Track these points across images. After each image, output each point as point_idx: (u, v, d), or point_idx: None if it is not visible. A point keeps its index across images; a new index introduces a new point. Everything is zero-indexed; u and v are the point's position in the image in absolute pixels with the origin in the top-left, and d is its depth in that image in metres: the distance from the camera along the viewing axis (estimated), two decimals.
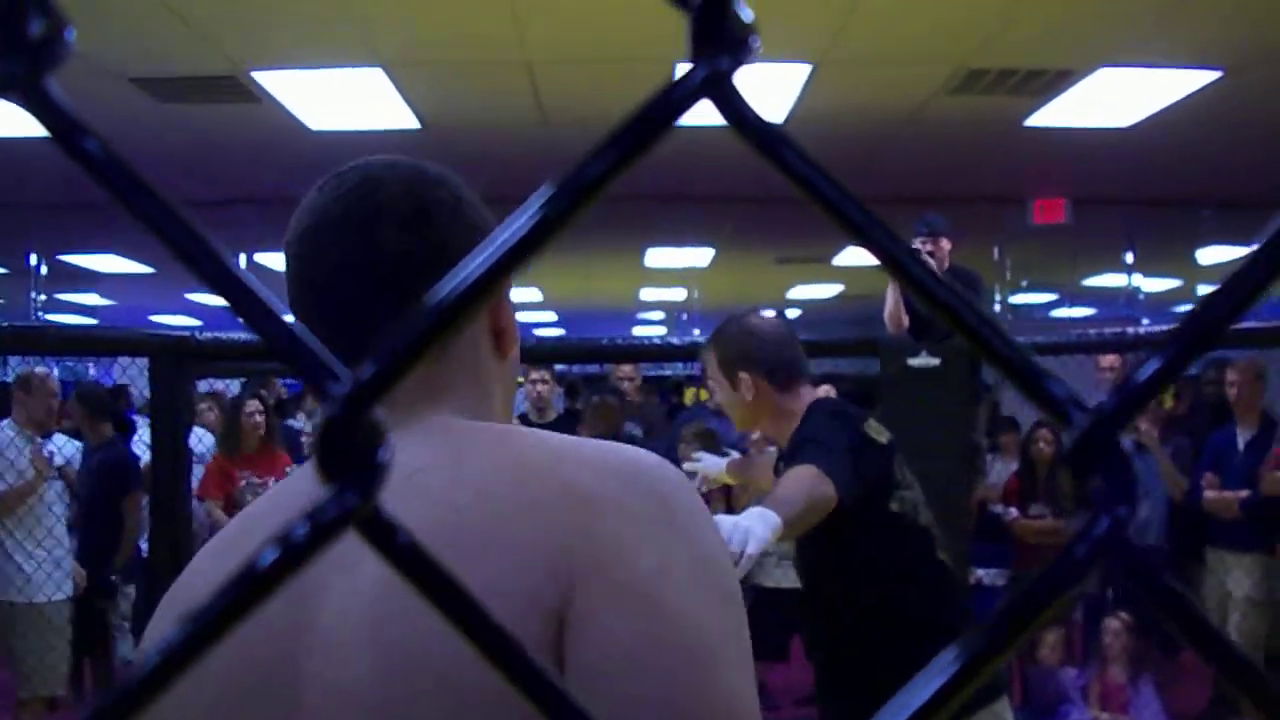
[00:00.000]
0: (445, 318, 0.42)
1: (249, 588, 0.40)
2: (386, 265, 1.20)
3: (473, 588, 0.42)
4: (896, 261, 0.47)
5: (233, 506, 6.95)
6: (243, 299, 0.46)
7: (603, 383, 9.97)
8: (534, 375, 7.98)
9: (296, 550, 0.41)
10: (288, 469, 7.43)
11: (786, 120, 8.89)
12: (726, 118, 0.45)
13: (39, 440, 6.79)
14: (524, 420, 7.80)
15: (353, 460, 0.42)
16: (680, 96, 0.45)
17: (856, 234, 0.47)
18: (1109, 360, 7.65)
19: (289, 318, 0.45)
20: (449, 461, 1.11)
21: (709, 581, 1.04)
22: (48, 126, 0.44)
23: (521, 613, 0.97)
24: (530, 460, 1.11)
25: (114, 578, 6.85)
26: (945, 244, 6.96)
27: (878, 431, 3.53)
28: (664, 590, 1.00)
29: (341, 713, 1.02)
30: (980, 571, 7.33)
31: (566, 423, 8.29)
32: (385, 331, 0.42)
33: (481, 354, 1.27)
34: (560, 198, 0.44)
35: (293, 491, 1.22)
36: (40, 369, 6.87)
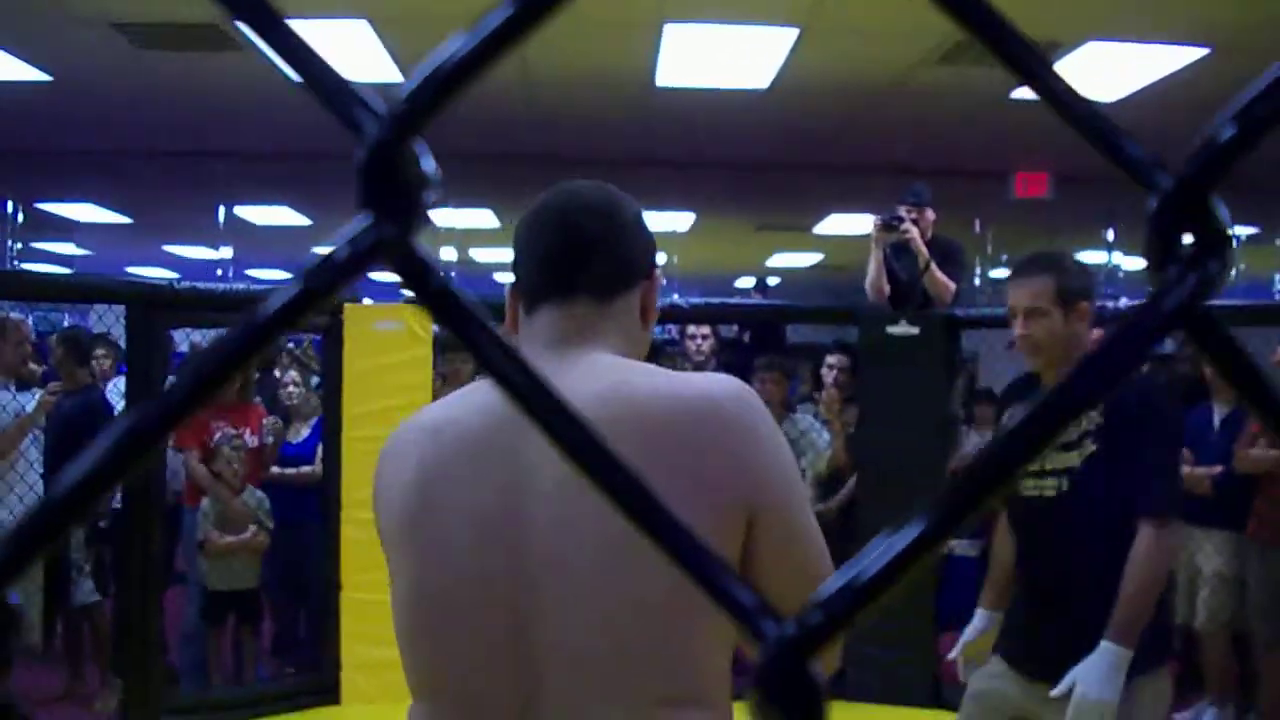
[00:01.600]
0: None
1: (298, 300, 0.43)
2: (582, 239, 1.76)
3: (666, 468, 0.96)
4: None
5: (209, 457, 6.92)
6: (284, 37, 0.46)
7: None
8: None
9: (335, 269, 0.43)
10: (263, 421, 7.40)
11: (772, 85, 8.87)
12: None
13: (12, 389, 6.76)
14: None
15: (394, 193, 0.43)
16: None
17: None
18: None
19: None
20: (616, 380, 1.63)
21: (796, 480, 1.73)
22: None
23: (715, 502, 1.56)
24: (676, 381, 1.66)
25: (100, 523, 6.79)
26: (930, 214, 6.95)
27: None
28: (792, 494, 1.67)
29: (567, 540, 1.54)
30: (952, 541, 7.34)
31: None
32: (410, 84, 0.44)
33: (633, 320, 1.81)
34: None
35: (484, 389, 1.67)
36: (15, 315, 6.83)
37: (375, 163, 0.43)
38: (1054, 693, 3.26)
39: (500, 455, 1.59)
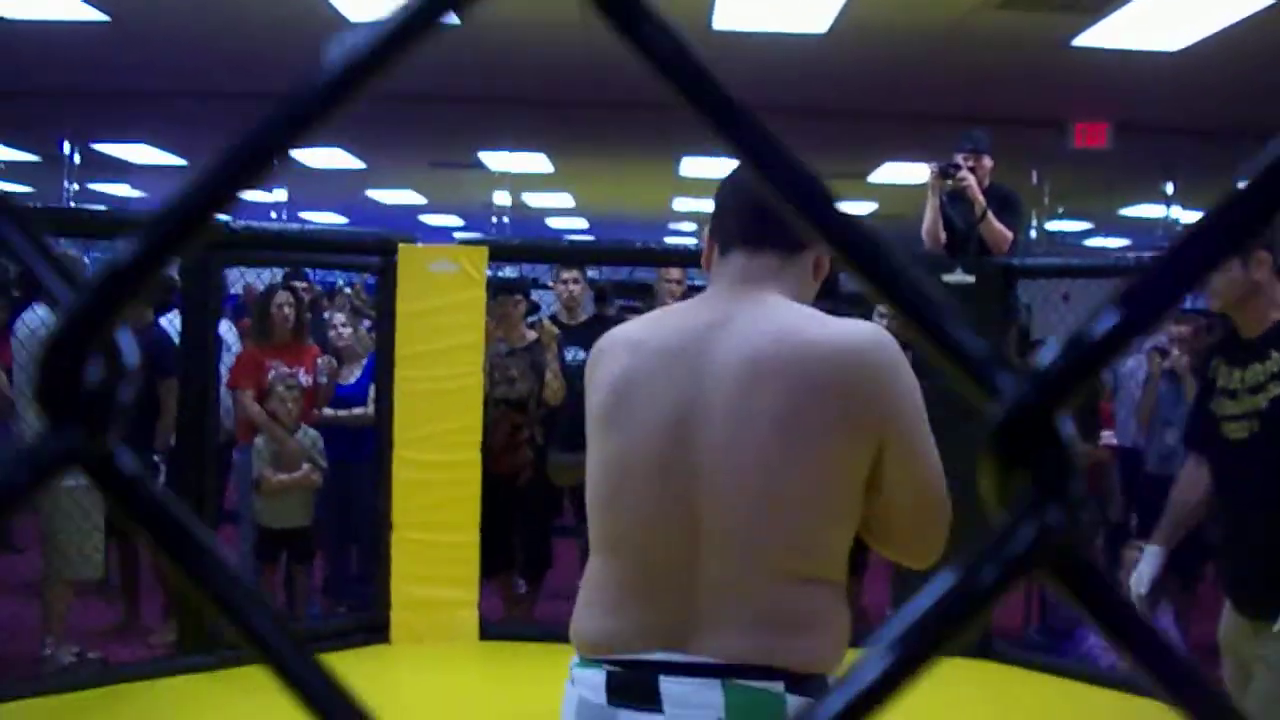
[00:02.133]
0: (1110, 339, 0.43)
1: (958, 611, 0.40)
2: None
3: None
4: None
5: (263, 396, 6.97)
6: (932, 310, 0.43)
7: (632, 289, 9.93)
8: (565, 276, 7.94)
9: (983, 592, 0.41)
10: (318, 360, 7.44)
11: (830, 29, 8.79)
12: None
13: None
14: (554, 320, 7.78)
15: (1048, 463, 0.40)
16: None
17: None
18: None
19: None
20: (787, 322, 2.06)
21: (920, 415, 2.07)
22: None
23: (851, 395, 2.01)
24: (832, 327, 2.06)
25: (155, 458, 6.82)
26: (987, 162, 6.89)
27: None
28: (916, 426, 2.05)
29: (731, 441, 1.98)
30: None
31: (595, 326, 8.27)
32: None
33: (807, 274, 2.21)
34: None
35: (680, 312, 2.30)
36: (71, 250, 6.88)
37: (1020, 428, 0.40)
38: (1277, 628, 3.44)
39: (686, 368, 2.05)
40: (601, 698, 2.03)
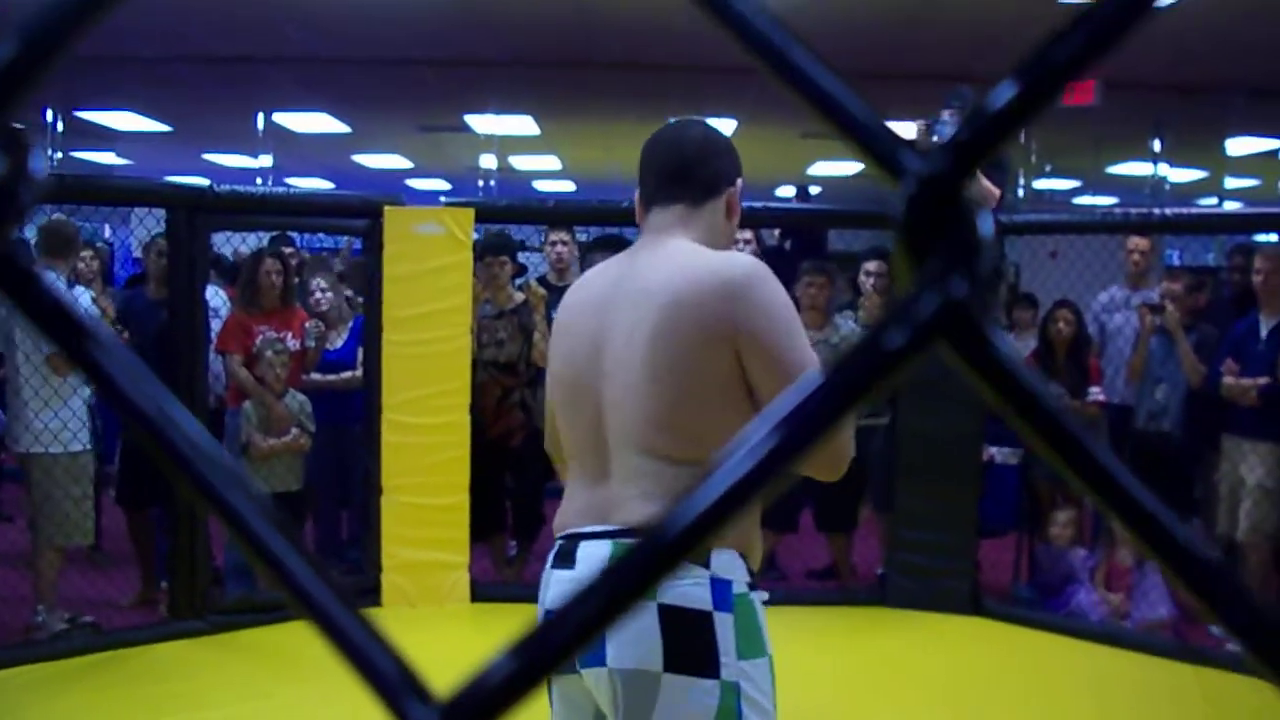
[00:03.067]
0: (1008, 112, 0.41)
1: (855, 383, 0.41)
2: (682, 158, 2.64)
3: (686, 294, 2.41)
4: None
5: (252, 361, 6.96)
6: (827, 91, 0.45)
7: (615, 247, 9.92)
8: (554, 237, 7.93)
9: (890, 356, 0.41)
10: (305, 324, 7.43)
11: None
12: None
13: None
14: (543, 282, 7.78)
15: (953, 237, 0.41)
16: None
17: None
18: (1142, 243, 7.60)
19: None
20: (683, 260, 2.49)
21: (787, 321, 2.44)
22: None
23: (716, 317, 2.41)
24: (715, 261, 2.49)
25: None
26: None
27: None
28: (771, 330, 2.41)
29: (625, 358, 2.47)
30: (993, 450, 7.33)
31: None
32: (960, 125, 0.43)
33: (718, 218, 2.64)
34: None
35: (617, 262, 2.67)
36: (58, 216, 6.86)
37: (926, 204, 0.41)
38: None
39: (598, 307, 2.57)
40: (550, 566, 2.58)
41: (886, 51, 10.83)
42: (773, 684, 2.42)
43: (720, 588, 2.35)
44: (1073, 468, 0.42)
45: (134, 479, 6.93)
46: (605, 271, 2.68)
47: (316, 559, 0.46)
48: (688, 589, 2.32)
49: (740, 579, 2.40)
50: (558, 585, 2.54)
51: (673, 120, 2.79)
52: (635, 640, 2.32)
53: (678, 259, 2.51)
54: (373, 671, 0.44)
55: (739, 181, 2.65)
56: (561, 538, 2.57)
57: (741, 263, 2.51)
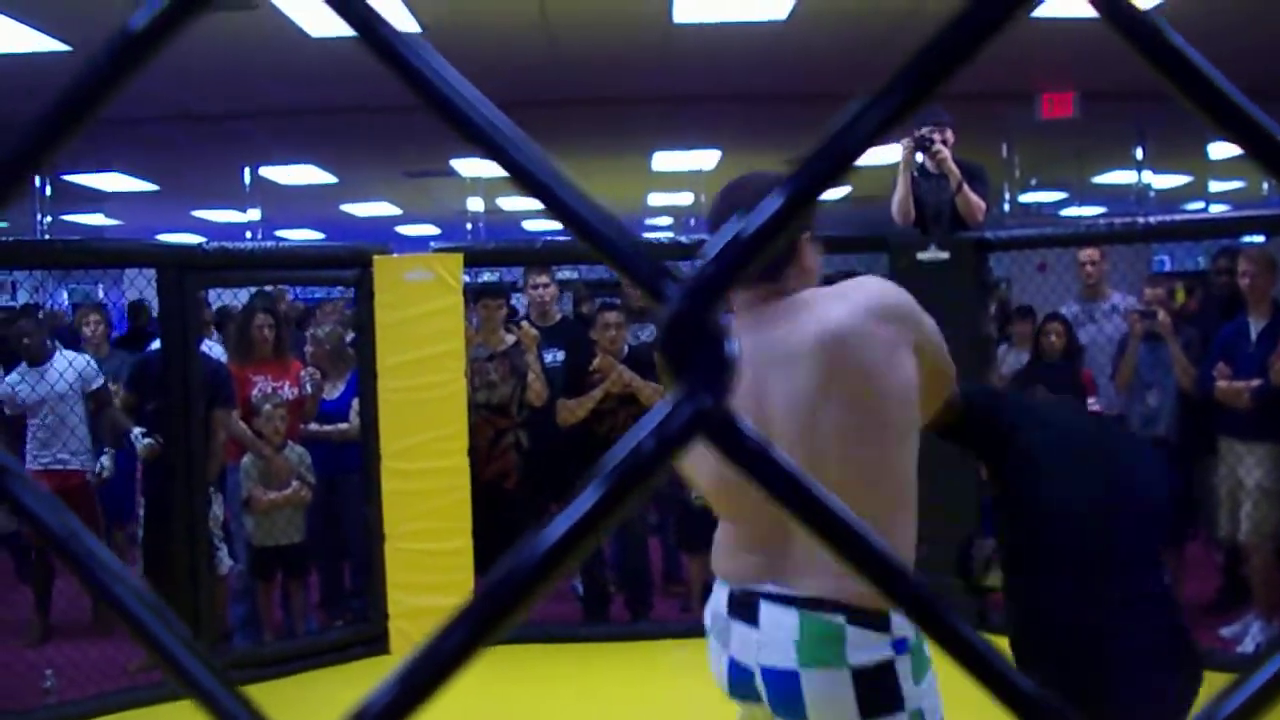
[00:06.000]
0: (762, 233, 0.48)
1: (622, 485, 0.48)
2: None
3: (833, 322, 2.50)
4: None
5: (250, 414, 6.96)
6: (572, 206, 0.51)
7: (609, 288, 9.95)
8: (534, 280, 7.82)
9: (665, 442, 0.48)
10: (301, 374, 7.44)
11: (789, 15, 8.81)
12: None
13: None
14: (528, 321, 7.75)
15: (702, 357, 0.47)
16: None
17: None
18: (1088, 254, 7.62)
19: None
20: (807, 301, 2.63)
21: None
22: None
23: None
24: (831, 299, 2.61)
25: (210, 489, 6.77)
26: (951, 135, 6.92)
27: None
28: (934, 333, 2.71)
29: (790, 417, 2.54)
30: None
31: (573, 327, 8.25)
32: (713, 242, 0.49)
33: (802, 273, 2.70)
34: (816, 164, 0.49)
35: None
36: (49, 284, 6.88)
37: (677, 329, 0.47)
38: None
39: (754, 373, 2.54)
40: (724, 610, 2.68)
41: (864, 73, 10.85)
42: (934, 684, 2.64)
43: (899, 644, 2.55)
44: (841, 550, 0.50)
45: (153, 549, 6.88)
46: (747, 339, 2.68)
47: (200, 649, 0.54)
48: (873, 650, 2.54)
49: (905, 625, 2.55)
50: (741, 639, 2.65)
51: (741, 177, 2.79)
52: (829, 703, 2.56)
53: (815, 310, 2.59)
54: None
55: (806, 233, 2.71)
56: (736, 587, 2.67)
57: (864, 306, 2.60)
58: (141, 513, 7.14)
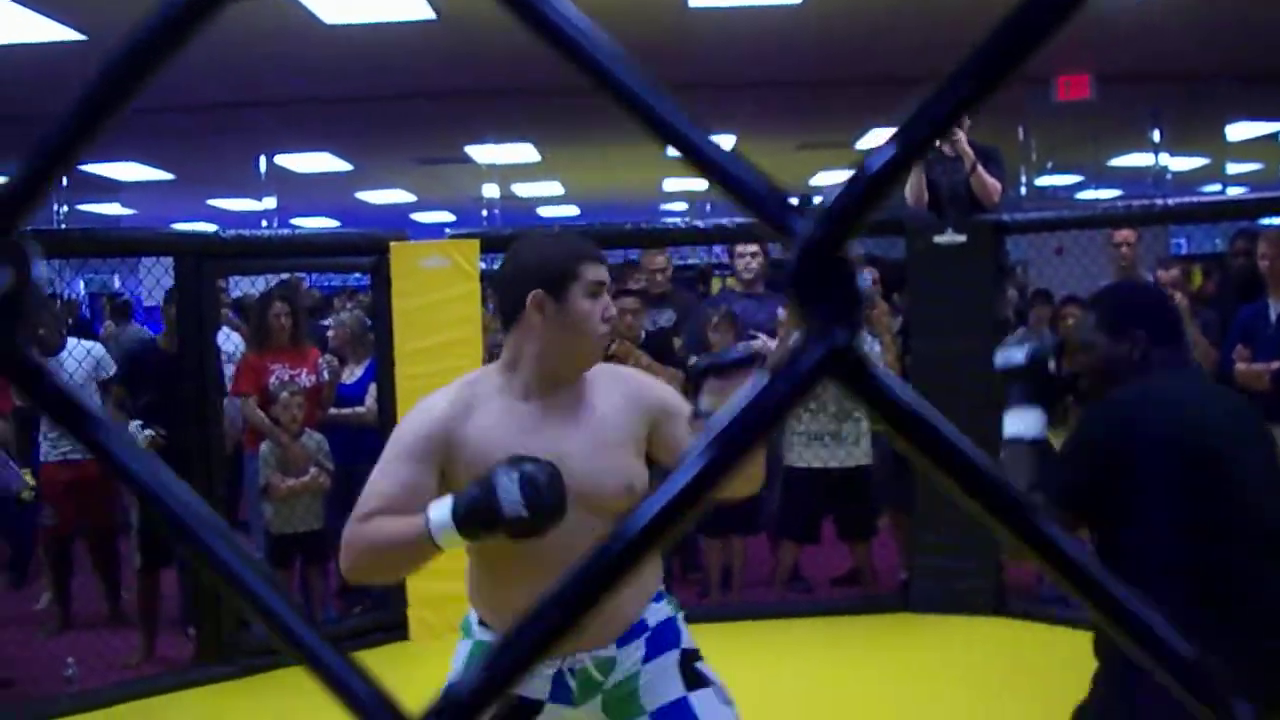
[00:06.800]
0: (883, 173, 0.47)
1: (759, 419, 0.46)
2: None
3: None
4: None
5: (267, 401, 6.97)
6: (699, 144, 0.51)
7: (625, 269, 9.94)
8: None
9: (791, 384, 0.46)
10: (319, 361, 7.44)
11: (803, 1, 8.79)
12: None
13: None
14: None
15: (835, 292, 0.46)
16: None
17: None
18: (1126, 234, 7.57)
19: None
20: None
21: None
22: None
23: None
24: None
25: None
26: (965, 119, 6.91)
27: None
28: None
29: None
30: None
31: None
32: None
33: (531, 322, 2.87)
34: None
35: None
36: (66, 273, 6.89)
37: (812, 261, 0.46)
38: None
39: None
40: None
41: (879, 56, 10.85)
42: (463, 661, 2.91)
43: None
44: (965, 489, 0.49)
45: (151, 543, 6.87)
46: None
47: (300, 604, 0.52)
48: None
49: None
50: None
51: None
52: None
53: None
54: (352, 697, 0.50)
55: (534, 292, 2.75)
56: None
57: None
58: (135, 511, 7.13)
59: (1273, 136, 14.72)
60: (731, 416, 0.46)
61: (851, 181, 0.46)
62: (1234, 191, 20.27)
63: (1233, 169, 19.41)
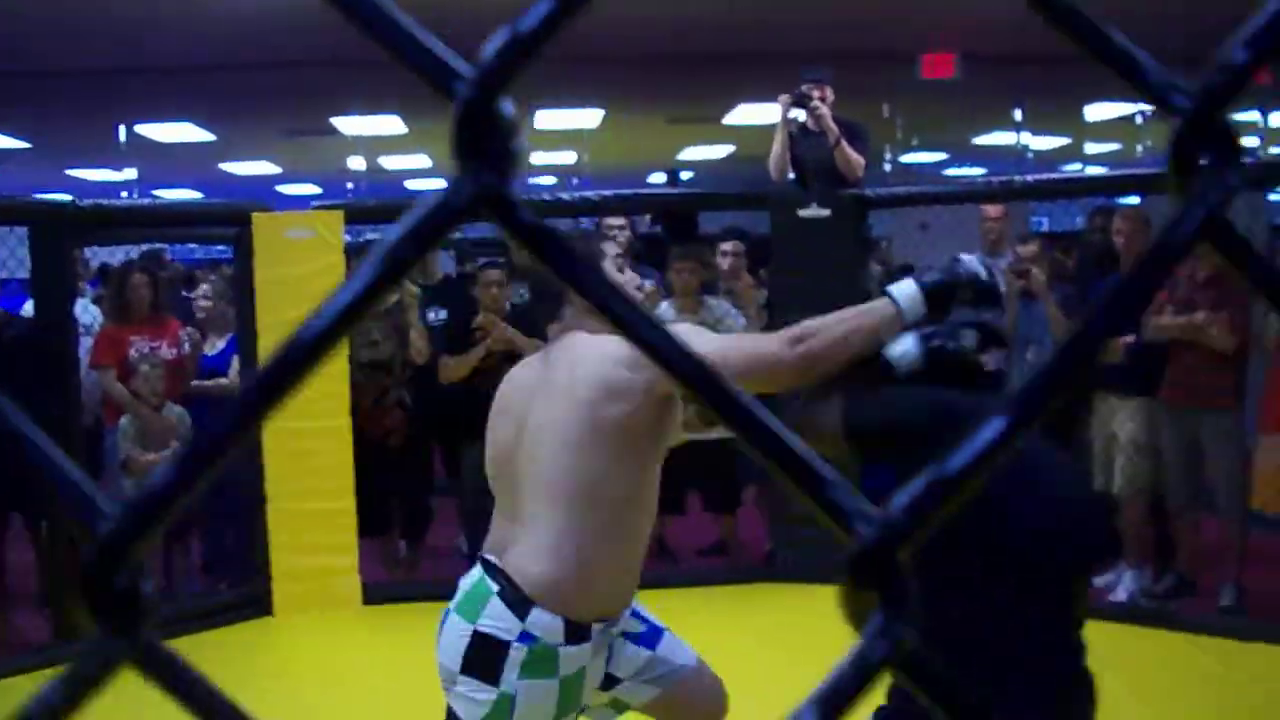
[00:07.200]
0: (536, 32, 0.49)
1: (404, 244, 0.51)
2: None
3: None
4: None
5: (126, 373, 6.85)
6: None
7: (492, 247, 9.91)
8: None
9: (442, 217, 0.50)
10: (180, 333, 7.33)
11: None
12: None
13: None
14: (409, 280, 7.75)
15: (489, 145, 0.49)
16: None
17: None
18: (994, 211, 7.69)
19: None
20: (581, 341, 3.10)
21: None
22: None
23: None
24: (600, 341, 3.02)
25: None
26: (830, 94, 7.01)
27: None
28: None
29: (538, 436, 3.02)
30: None
31: (455, 285, 8.23)
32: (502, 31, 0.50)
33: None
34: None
35: (537, 357, 3.30)
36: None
37: (468, 119, 0.49)
38: None
39: (527, 391, 3.11)
40: None
41: (750, 32, 10.91)
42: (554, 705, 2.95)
43: (526, 636, 2.89)
44: (603, 312, 0.51)
45: None
46: (532, 365, 3.26)
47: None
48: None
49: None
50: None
51: None
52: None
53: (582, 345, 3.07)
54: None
55: None
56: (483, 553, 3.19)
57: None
58: None
59: (1130, 117, 15.05)
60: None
61: (504, 45, 0.49)
62: (1093, 170, 20.71)
63: (1091, 149, 19.82)
